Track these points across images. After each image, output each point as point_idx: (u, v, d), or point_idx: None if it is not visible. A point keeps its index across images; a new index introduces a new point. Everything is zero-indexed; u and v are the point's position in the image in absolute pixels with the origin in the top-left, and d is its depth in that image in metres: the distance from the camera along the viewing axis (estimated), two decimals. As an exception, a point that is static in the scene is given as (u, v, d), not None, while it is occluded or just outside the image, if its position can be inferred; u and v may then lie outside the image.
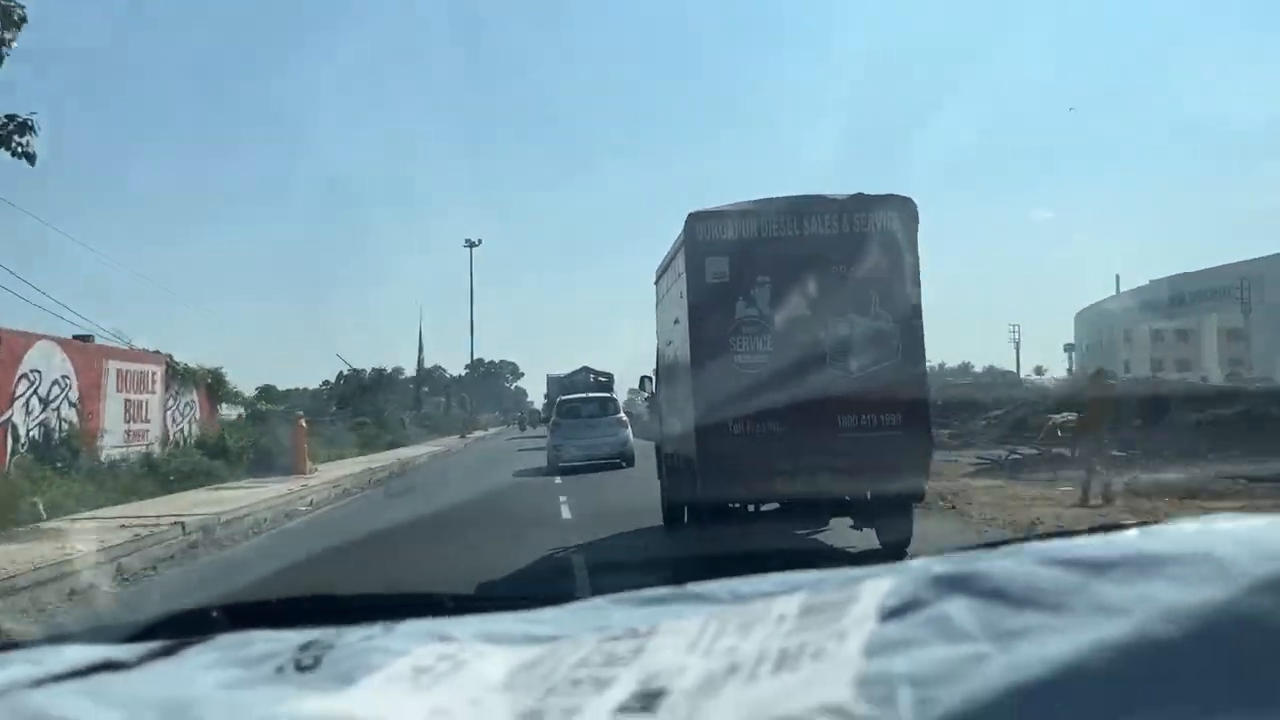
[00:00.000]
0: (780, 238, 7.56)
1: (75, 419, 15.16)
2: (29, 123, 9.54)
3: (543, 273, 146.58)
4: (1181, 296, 57.51)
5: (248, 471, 18.05)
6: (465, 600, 1.01)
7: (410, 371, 56.19)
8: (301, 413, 22.22)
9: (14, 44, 9.48)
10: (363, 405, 34.40)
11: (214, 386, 20.84)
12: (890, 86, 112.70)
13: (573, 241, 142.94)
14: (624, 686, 0.55)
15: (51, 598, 7.23)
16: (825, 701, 0.47)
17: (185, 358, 20.04)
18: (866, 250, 7.46)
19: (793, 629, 0.57)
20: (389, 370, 47.89)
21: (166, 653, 0.73)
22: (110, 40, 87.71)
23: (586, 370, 39.93)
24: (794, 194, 7.81)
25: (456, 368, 74.19)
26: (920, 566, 0.60)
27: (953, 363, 66.38)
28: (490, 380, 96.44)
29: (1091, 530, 0.68)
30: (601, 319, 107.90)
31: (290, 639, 0.70)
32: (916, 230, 7.56)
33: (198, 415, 20.09)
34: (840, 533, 8.29)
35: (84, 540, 8.85)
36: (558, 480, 16.88)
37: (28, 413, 14.08)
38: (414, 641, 0.67)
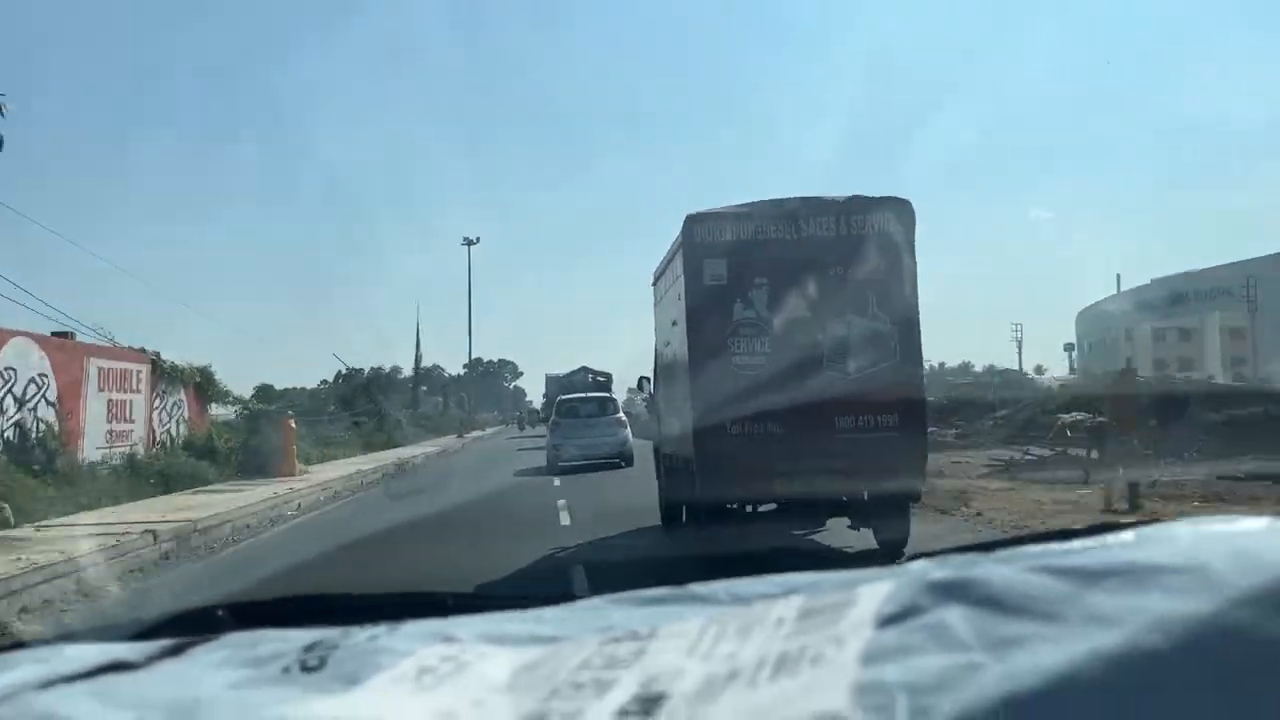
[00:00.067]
0: (778, 240, 7.57)
1: (53, 419, 14.51)
2: None
3: (542, 272, 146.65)
4: (1183, 296, 57.41)
5: (237, 473, 17.61)
6: (467, 599, 1.01)
7: (409, 371, 56.15)
8: (290, 412, 21.26)
9: None
10: (361, 405, 34.31)
11: (203, 386, 20.15)
12: (890, 86, 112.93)
13: (572, 241, 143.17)
14: (625, 689, 0.56)
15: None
16: (822, 709, 0.48)
17: (187, 358, 19.70)
18: (864, 252, 7.48)
19: (791, 633, 0.58)
20: (387, 370, 47.87)
21: (173, 652, 0.74)
22: (108, 35, 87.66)
23: (585, 370, 39.94)
24: (791, 196, 7.84)
25: (455, 367, 74.10)
26: (917, 571, 0.61)
27: (952, 362, 66.52)
28: (489, 380, 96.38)
29: (1090, 530, 0.68)
30: (600, 319, 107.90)
31: (296, 639, 0.71)
32: (914, 232, 7.59)
33: (186, 415, 19.45)
34: (838, 533, 8.30)
35: (44, 551, 8.39)
36: (556, 482, 16.73)
37: (1, 413, 13.54)
38: (418, 642, 0.68)
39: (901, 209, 7.61)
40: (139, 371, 17.61)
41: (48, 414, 14.50)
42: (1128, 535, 0.62)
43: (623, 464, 19.24)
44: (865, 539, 7.98)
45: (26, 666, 0.73)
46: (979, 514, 10.06)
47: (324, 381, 42.89)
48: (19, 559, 7.97)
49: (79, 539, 9.03)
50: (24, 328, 14.75)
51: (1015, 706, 0.46)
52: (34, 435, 14.06)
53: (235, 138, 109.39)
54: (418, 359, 53.23)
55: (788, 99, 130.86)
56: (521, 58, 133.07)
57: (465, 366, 68.92)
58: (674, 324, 8.53)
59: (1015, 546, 0.64)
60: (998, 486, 12.62)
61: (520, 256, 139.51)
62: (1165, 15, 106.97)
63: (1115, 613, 0.50)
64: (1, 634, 5.81)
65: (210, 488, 15.43)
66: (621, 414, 21.68)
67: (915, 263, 7.57)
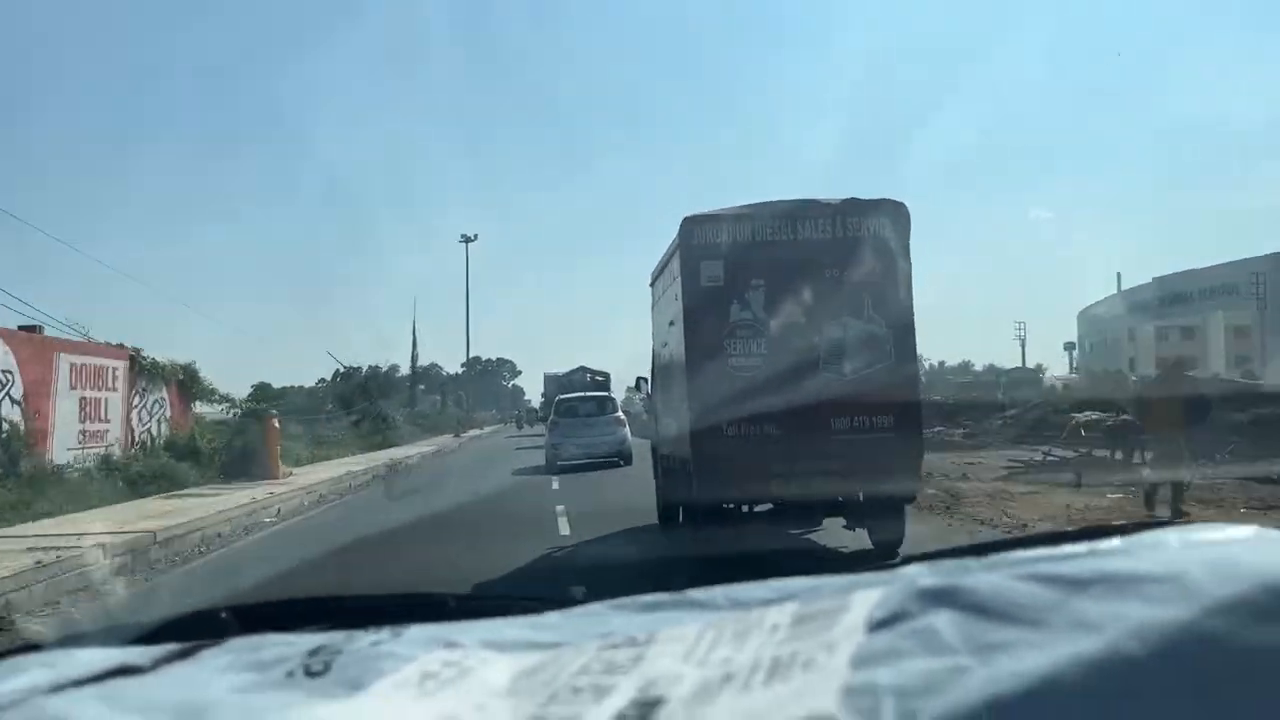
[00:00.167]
0: (774, 241, 7.61)
1: (18, 418, 13.59)
2: None
3: (541, 271, 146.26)
4: (1185, 295, 57.31)
5: (220, 475, 16.85)
6: (467, 600, 1.03)
7: (407, 370, 56.00)
8: (274, 411, 19.81)
9: None
10: (359, 403, 34.22)
11: (186, 383, 19.12)
12: (890, 86, 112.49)
13: (571, 240, 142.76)
14: (623, 694, 0.57)
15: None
16: (813, 712, 0.50)
17: (186, 357, 19.16)
18: (859, 254, 7.51)
19: (785, 638, 0.59)
20: (385, 368, 47.76)
21: (180, 656, 0.75)
22: (106, 35, 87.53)
23: (584, 369, 39.89)
24: (788, 198, 7.88)
25: (453, 366, 73.96)
26: (909, 577, 0.62)
27: (952, 361, 66.62)
28: (487, 378, 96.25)
29: (1081, 534, 0.69)
30: (599, 318, 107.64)
31: (300, 643, 0.72)
32: (909, 234, 7.63)
33: (168, 415, 18.47)
34: (833, 533, 8.32)
35: None
36: (555, 485, 16.54)
37: (-41, 412, 12.69)
38: (420, 647, 0.69)
39: (897, 212, 7.64)
40: (115, 368, 16.67)
41: (12, 413, 13.59)
42: (1115, 542, 0.63)
43: (621, 463, 19.27)
44: (861, 539, 8.01)
45: (35, 670, 0.75)
46: (1024, 525, 9.29)
47: (322, 380, 42.85)
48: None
49: (14, 554, 7.98)
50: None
51: (998, 709, 0.47)
52: (-3, 436, 13.18)
53: (234, 137, 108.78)
54: (414, 357, 53.04)
55: (787, 99, 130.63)
56: (521, 57, 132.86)
57: (464, 365, 68.69)
58: (671, 325, 8.55)
59: (1007, 550, 0.66)
60: (1019, 489, 12.03)
61: (519, 256, 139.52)
62: (1165, 15, 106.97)
63: (1097, 619, 0.52)
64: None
65: (187, 491, 14.64)
66: (620, 413, 21.70)
67: (910, 265, 7.61)
